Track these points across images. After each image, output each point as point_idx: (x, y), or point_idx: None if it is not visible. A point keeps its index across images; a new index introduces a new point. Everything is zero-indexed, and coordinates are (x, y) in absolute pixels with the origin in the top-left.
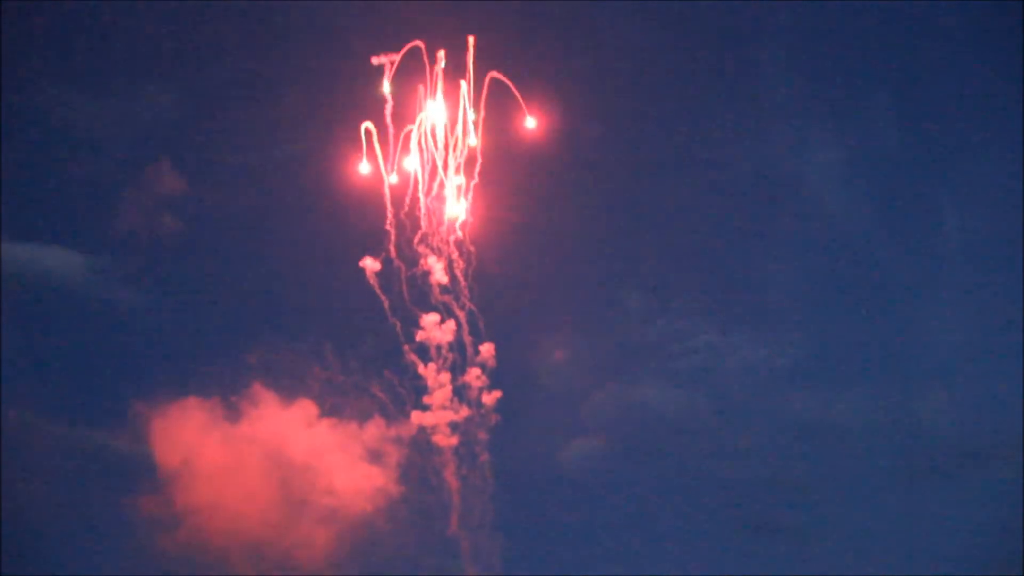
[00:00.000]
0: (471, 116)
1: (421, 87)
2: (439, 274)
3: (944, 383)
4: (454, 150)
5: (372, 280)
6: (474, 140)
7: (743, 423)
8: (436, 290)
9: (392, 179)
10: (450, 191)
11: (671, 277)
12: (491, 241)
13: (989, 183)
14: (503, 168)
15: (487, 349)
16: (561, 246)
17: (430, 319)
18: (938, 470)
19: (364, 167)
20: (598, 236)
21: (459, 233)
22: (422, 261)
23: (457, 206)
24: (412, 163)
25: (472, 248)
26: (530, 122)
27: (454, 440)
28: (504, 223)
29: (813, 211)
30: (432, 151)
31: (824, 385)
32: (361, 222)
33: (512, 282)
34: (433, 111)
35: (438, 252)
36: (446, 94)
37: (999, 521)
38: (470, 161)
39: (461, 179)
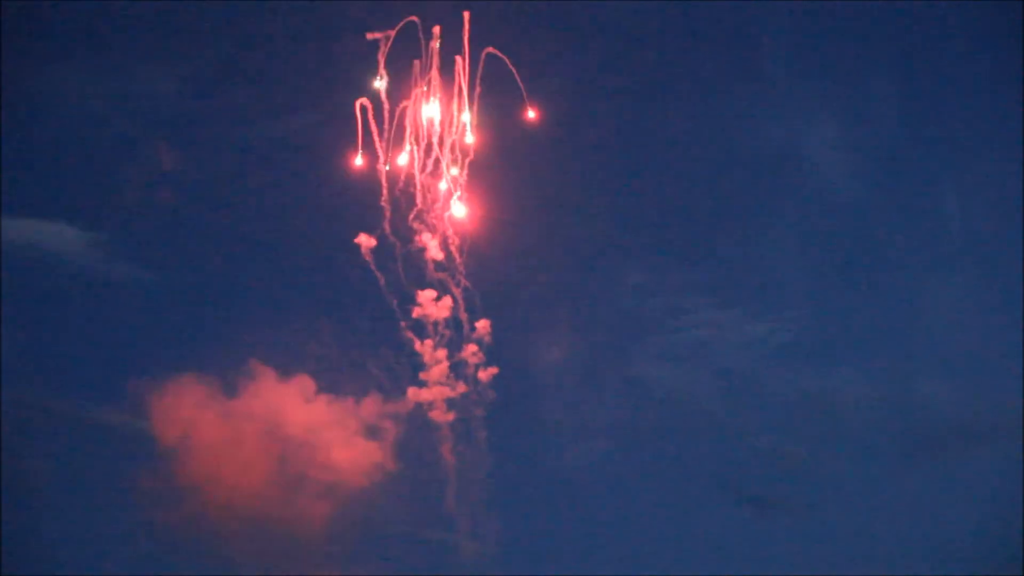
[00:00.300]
0: (467, 117)
1: (416, 63)
2: (434, 251)
3: (944, 361)
4: (450, 128)
5: (368, 257)
6: (470, 138)
7: (742, 398)
8: (431, 267)
9: (386, 167)
10: (445, 168)
11: (671, 253)
12: (486, 217)
13: (990, 163)
14: (499, 145)
15: (483, 325)
16: (558, 222)
17: (426, 295)
18: (937, 448)
19: (359, 146)
20: (595, 212)
21: (454, 211)
22: (417, 238)
23: (452, 183)
24: (407, 141)
25: (467, 225)
26: (530, 114)
27: (450, 416)
28: (500, 200)
29: (814, 188)
30: (427, 129)
31: (824, 362)
32: (356, 199)
33: (508, 258)
34: (428, 89)
35: (433, 229)
36: (442, 70)
37: (998, 499)
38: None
39: (457, 156)
